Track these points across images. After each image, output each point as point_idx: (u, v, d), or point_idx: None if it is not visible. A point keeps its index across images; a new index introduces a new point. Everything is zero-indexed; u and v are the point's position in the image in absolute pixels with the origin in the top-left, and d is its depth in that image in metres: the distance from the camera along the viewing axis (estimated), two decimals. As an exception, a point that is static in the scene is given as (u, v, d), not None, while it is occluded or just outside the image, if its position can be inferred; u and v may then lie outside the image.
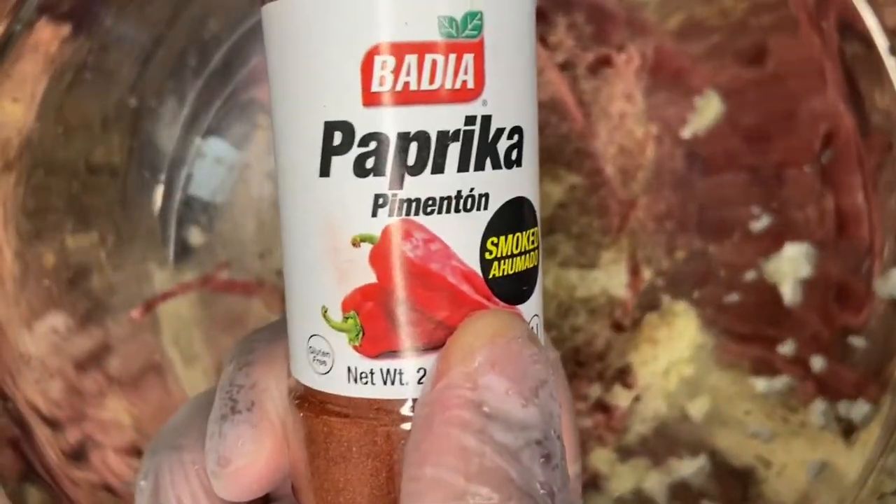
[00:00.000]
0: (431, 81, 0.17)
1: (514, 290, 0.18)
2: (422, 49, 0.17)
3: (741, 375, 0.37)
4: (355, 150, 0.18)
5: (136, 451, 0.35)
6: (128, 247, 0.37)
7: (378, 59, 0.17)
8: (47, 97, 0.34)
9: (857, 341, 0.34)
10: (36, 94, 0.33)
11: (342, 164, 0.18)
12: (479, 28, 0.17)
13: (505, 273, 0.18)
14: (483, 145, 0.18)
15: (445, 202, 0.18)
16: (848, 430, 0.34)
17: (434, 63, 0.17)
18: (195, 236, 0.39)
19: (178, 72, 0.38)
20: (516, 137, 0.18)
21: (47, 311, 0.34)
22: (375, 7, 0.17)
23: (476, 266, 0.18)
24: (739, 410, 0.36)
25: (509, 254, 0.18)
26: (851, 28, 0.34)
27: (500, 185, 0.18)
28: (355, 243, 0.18)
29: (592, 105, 0.39)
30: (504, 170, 0.18)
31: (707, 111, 0.38)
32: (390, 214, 0.18)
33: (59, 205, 0.35)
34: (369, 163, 0.18)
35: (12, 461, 0.32)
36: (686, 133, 0.39)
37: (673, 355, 0.38)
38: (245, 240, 0.39)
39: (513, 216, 0.18)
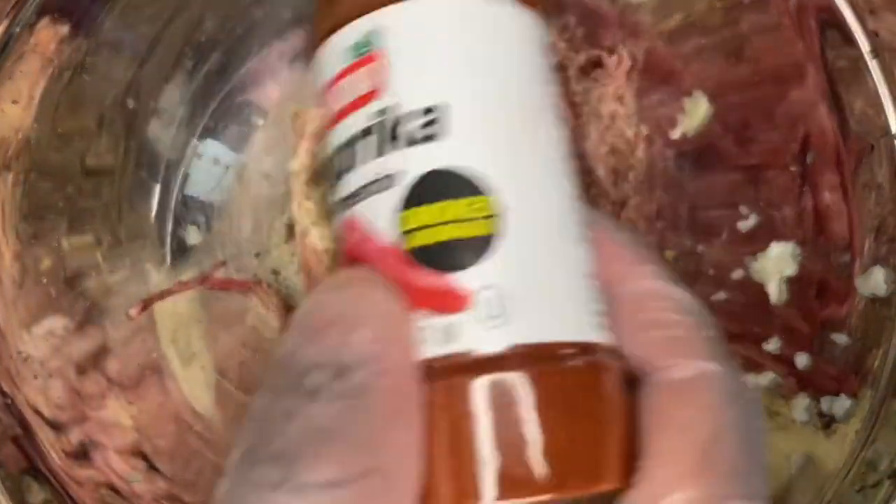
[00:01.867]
0: (351, 96, 0.20)
1: (444, 258, 0.18)
2: (341, 76, 0.20)
3: (729, 372, 0.37)
4: (328, 166, 0.21)
5: (137, 452, 0.35)
6: (124, 248, 0.37)
7: (326, 95, 0.21)
8: (45, 98, 0.33)
9: (839, 338, 0.35)
10: (34, 95, 0.33)
11: (327, 179, 0.22)
12: (378, 42, 0.20)
13: (429, 242, 0.18)
14: (392, 130, 0.19)
15: (364, 190, 0.19)
16: (829, 425, 0.34)
17: (350, 81, 0.20)
18: (192, 236, 0.39)
19: (174, 73, 0.37)
20: (432, 115, 0.19)
21: (46, 314, 0.34)
22: (316, 58, 0.22)
23: (394, 239, 0.19)
24: (727, 406, 0.37)
25: (433, 223, 0.18)
26: (833, 30, 0.35)
27: (413, 161, 0.19)
28: (339, 246, 0.21)
29: (583, 106, 0.39)
30: (417, 147, 0.19)
31: (696, 112, 0.39)
32: (341, 214, 0.20)
33: (56, 206, 0.35)
34: (332, 176, 0.21)
35: (15, 458, 0.32)
36: (676, 134, 0.39)
37: (662, 352, 0.38)
38: (242, 239, 0.39)
39: (433, 187, 0.19)
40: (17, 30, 0.32)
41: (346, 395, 0.16)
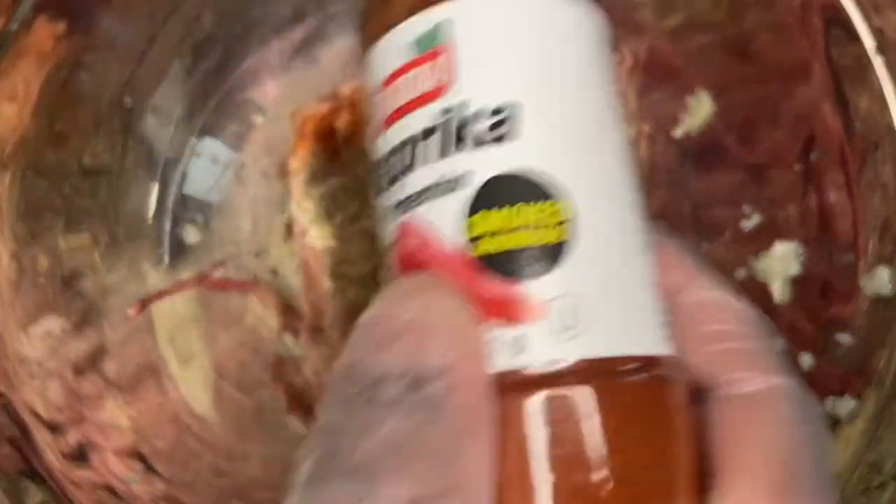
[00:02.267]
0: (412, 93, 0.19)
1: (514, 265, 0.18)
2: (400, 72, 0.19)
3: (732, 373, 0.37)
4: (379, 168, 0.20)
5: (135, 454, 0.35)
6: (122, 247, 0.37)
7: (379, 94, 0.20)
8: (42, 96, 0.33)
9: (843, 338, 0.35)
10: (31, 93, 0.33)
11: (376, 181, 0.21)
12: (445, 36, 0.19)
13: (498, 249, 0.18)
14: (458, 130, 0.18)
15: (425, 193, 0.18)
16: (834, 425, 0.34)
17: (411, 78, 0.19)
18: (191, 235, 0.39)
19: (172, 71, 0.37)
20: (502, 115, 0.18)
21: (43, 314, 0.34)
22: (368, 54, 0.21)
23: (460, 245, 0.18)
24: (730, 407, 0.37)
25: (502, 229, 0.18)
26: (838, 28, 0.35)
27: (482, 163, 0.18)
28: (389, 251, 0.20)
29: (585, 104, 0.39)
30: (486, 148, 0.18)
31: (699, 110, 0.39)
32: (396, 218, 0.19)
33: (53, 205, 0.35)
34: (384, 178, 0.20)
35: (12, 460, 0.32)
36: (679, 132, 0.39)
37: (665, 353, 0.38)
38: (240, 238, 0.39)
39: (502, 190, 0.18)
40: (14, 27, 0.32)
41: (422, 408, 0.16)
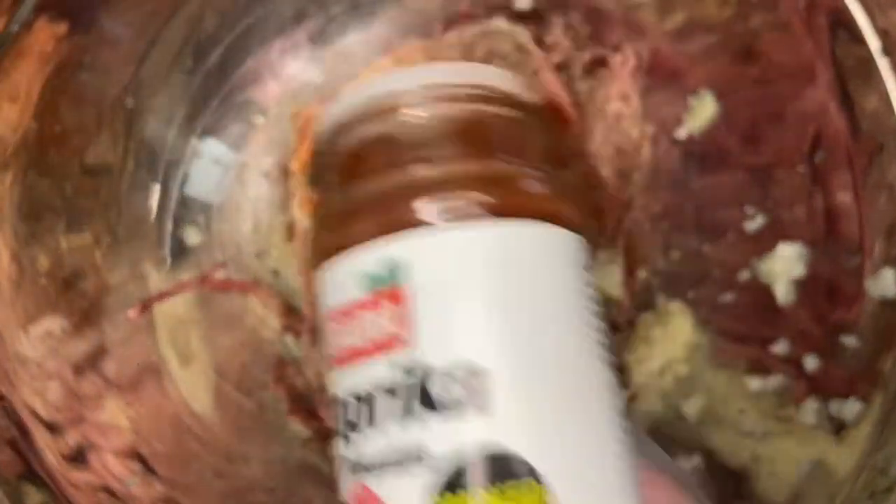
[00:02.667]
0: (365, 338, 0.17)
1: None
2: (352, 308, 0.17)
3: (735, 375, 0.37)
4: (332, 404, 0.18)
5: (134, 454, 0.35)
6: (123, 247, 0.37)
7: (330, 323, 0.18)
8: (43, 96, 0.33)
9: (849, 340, 0.34)
10: (32, 94, 0.33)
11: (333, 416, 0.18)
12: (403, 278, 0.16)
13: None
14: (420, 395, 0.16)
15: (383, 462, 0.16)
16: (839, 429, 0.34)
17: (366, 319, 0.17)
18: (192, 236, 0.39)
19: (174, 71, 0.37)
20: (470, 380, 0.16)
21: (43, 314, 0.34)
22: (318, 270, 0.19)
23: None
24: (733, 410, 0.36)
25: None
26: (843, 28, 0.35)
27: (448, 438, 0.16)
28: None
29: (588, 105, 0.39)
30: (452, 419, 0.16)
31: (702, 111, 0.38)
32: (351, 478, 0.17)
33: (54, 205, 0.35)
34: (337, 421, 0.18)
35: (11, 461, 0.32)
36: (681, 133, 0.39)
37: (668, 355, 0.38)
38: (241, 240, 0.39)
39: (473, 472, 0.15)
40: (15, 28, 0.32)
41: None
